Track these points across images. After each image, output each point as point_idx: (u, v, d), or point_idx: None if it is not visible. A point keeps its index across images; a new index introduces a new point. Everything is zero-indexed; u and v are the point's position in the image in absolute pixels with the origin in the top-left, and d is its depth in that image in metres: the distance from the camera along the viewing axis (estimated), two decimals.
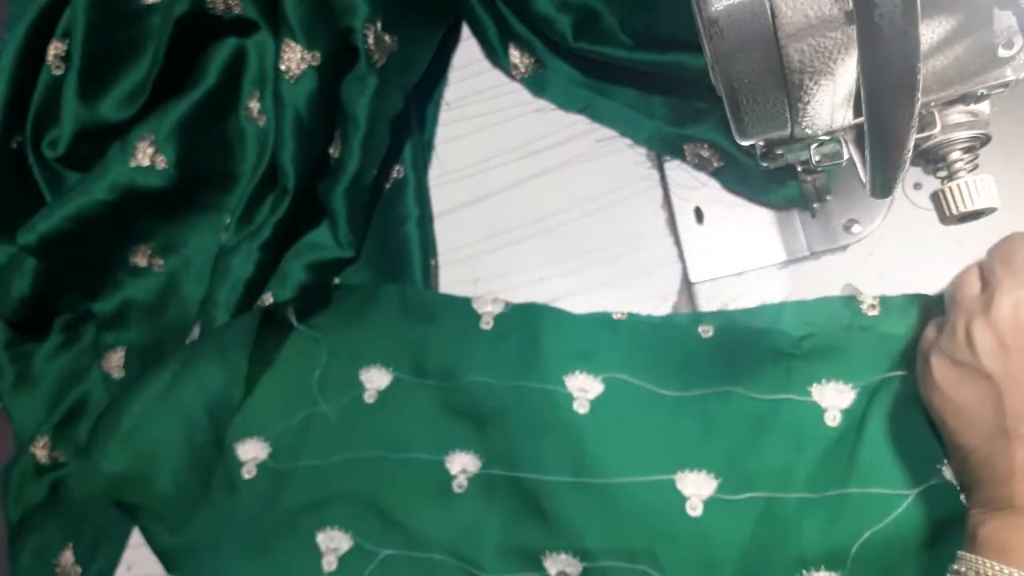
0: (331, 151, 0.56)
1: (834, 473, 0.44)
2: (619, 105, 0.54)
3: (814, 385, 0.46)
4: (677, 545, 0.44)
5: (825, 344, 0.46)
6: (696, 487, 0.45)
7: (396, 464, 0.50)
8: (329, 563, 0.49)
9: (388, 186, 0.58)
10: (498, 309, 0.52)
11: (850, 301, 0.47)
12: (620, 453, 0.47)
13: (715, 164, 0.51)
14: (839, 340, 0.46)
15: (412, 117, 0.58)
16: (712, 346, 0.48)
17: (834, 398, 0.45)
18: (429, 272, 0.55)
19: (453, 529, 0.48)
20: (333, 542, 0.49)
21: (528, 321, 0.51)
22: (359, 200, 0.55)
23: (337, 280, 0.57)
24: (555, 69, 0.56)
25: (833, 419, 0.45)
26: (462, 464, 0.49)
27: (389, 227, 0.56)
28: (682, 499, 0.45)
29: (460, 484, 0.49)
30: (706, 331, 0.49)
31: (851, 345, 0.46)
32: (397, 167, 0.57)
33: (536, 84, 0.57)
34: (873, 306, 0.46)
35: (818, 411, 0.45)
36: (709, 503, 0.45)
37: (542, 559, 0.46)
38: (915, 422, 0.43)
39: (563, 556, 0.45)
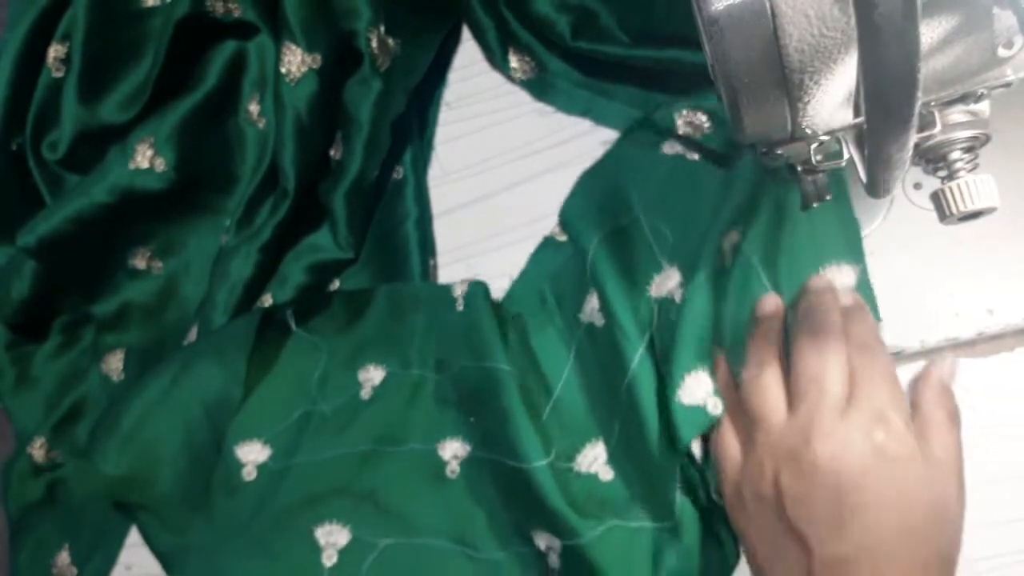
0: (332, 153, 0.56)
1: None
2: (620, 105, 0.54)
3: None
4: None
5: None
6: None
7: (391, 456, 0.50)
8: (329, 557, 0.49)
9: (388, 188, 0.58)
10: (466, 288, 0.52)
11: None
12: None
13: (706, 128, 0.50)
14: None
15: (412, 117, 0.58)
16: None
17: None
18: (428, 272, 0.55)
19: (449, 514, 0.49)
20: (332, 536, 0.50)
21: (485, 296, 0.51)
22: (360, 202, 0.55)
23: (337, 281, 0.57)
24: (556, 72, 0.56)
25: None
26: (453, 450, 0.50)
27: (388, 228, 0.56)
28: None
29: (453, 470, 0.49)
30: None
31: None
32: (398, 168, 0.57)
33: (537, 87, 0.57)
34: None
35: None
36: None
37: (532, 535, 0.46)
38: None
39: (546, 533, 0.45)
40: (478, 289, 0.51)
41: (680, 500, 0.43)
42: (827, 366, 0.36)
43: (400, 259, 0.55)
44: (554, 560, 0.45)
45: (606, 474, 0.45)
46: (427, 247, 0.56)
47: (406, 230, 0.55)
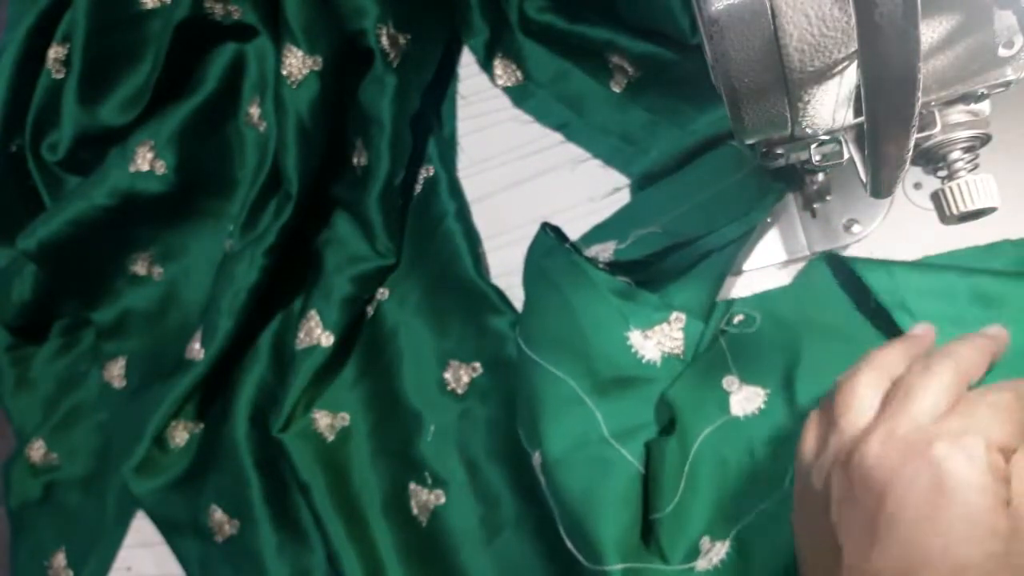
0: (355, 160, 0.56)
1: None
2: (593, 130, 0.55)
3: None
4: None
5: None
6: None
7: None
8: None
9: (419, 188, 0.57)
10: None
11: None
12: None
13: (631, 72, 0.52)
14: None
15: (431, 115, 0.58)
16: None
17: None
18: (480, 261, 0.54)
19: None
20: None
21: None
22: (393, 205, 0.55)
23: (386, 290, 0.57)
24: (539, 83, 0.57)
25: None
26: None
27: (427, 228, 0.56)
28: None
29: None
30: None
31: None
32: (427, 167, 0.57)
33: (518, 94, 0.57)
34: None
35: None
36: None
37: None
38: None
39: None
40: None
41: None
42: (929, 381, 0.31)
43: (448, 255, 0.54)
44: None
45: None
46: (473, 237, 0.55)
47: (447, 226, 0.55)
